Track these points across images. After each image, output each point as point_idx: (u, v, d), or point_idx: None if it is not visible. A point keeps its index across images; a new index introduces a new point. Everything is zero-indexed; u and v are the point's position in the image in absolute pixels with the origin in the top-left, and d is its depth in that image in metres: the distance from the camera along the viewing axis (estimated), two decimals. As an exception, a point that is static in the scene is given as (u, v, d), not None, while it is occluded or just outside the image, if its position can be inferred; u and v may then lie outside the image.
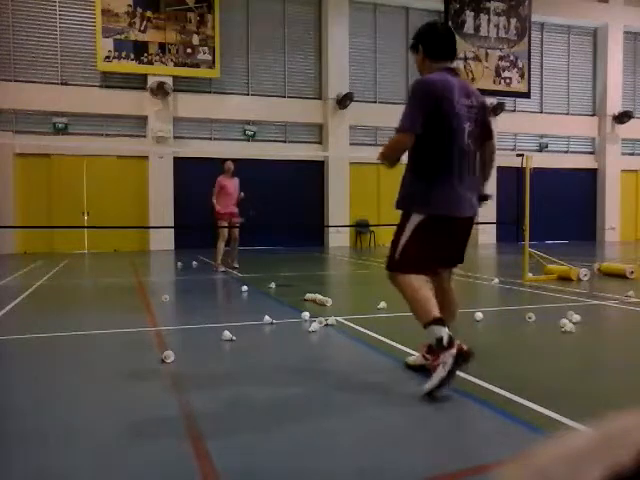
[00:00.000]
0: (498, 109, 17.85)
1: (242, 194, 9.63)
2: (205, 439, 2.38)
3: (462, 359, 2.82)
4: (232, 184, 9.56)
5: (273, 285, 7.31)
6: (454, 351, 2.79)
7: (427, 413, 2.67)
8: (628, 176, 19.95)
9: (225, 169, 9.60)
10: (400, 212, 3.19)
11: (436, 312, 2.91)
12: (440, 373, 2.77)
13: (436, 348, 2.84)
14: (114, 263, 11.94)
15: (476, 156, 3.19)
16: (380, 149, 3.22)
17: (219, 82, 15.93)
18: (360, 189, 16.98)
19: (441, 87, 2.99)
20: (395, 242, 3.13)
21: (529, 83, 18.32)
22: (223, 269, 9.32)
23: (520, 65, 18.12)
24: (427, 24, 3.32)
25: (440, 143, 3.01)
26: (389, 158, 3.17)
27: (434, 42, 3.19)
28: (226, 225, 9.50)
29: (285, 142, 16.68)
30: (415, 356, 3.41)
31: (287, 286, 7.40)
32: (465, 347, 2.88)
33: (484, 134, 3.22)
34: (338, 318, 4.96)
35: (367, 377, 3.35)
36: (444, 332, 2.83)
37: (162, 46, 15.21)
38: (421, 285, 3.01)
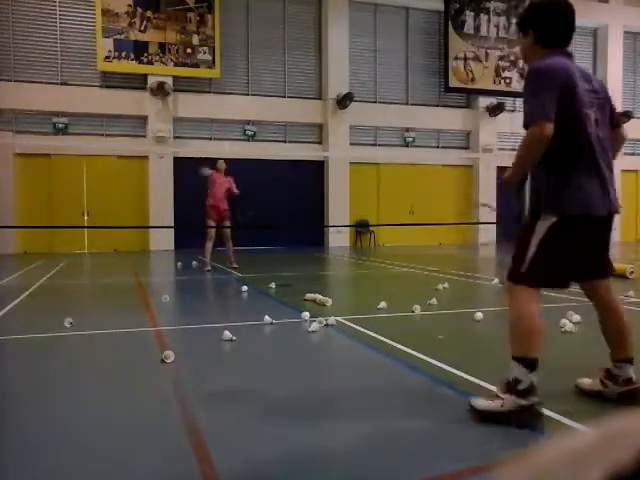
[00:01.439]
0: (498, 109, 17.86)
1: (237, 191, 9.66)
2: (205, 439, 2.38)
3: (527, 416, 2.47)
4: (222, 182, 9.60)
5: (273, 285, 7.31)
6: (523, 403, 2.47)
7: (427, 413, 2.67)
8: (628, 176, 19.95)
9: (217, 168, 9.70)
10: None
11: (534, 352, 2.54)
12: (493, 407, 2.53)
13: (507, 386, 2.54)
14: (114, 263, 11.94)
15: (607, 145, 2.74)
16: (506, 172, 2.74)
17: (219, 82, 15.92)
18: (360, 189, 16.97)
19: (563, 72, 2.57)
20: (520, 252, 2.63)
21: (529, 83, 18.31)
22: (210, 268, 9.31)
23: (520, 65, 18.12)
24: (540, 1, 2.76)
25: (568, 133, 2.56)
26: (524, 169, 2.65)
27: (553, 25, 2.69)
28: (214, 225, 9.53)
29: (285, 142, 16.68)
30: (590, 381, 2.93)
31: (287, 286, 7.40)
32: (539, 407, 2.52)
33: (611, 121, 2.80)
34: (338, 318, 4.95)
35: (367, 377, 3.35)
36: (528, 379, 2.49)
37: (162, 46, 15.21)
38: (533, 311, 2.60)
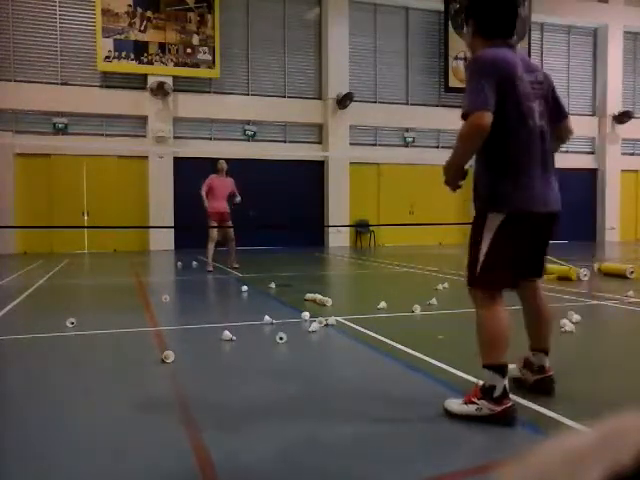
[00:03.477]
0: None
1: (239, 199, 9.52)
2: (205, 439, 2.38)
3: (502, 421, 2.48)
4: (223, 184, 9.43)
5: (273, 285, 7.30)
6: (497, 409, 2.48)
7: (427, 413, 2.67)
8: (628, 176, 19.94)
9: (218, 168, 9.49)
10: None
11: (504, 358, 2.53)
12: (468, 410, 2.54)
13: (482, 392, 2.54)
14: (114, 263, 11.94)
15: (551, 140, 2.68)
16: (445, 161, 2.64)
17: (219, 82, 15.92)
18: (360, 189, 16.97)
19: (503, 62, 2.52)
20: (473, 253, 2.60)
21: (529, 83, 18.31)
22: (211, 269, 9.26)
23: (520, 65, 18.11)
24: None
25: (510, 127, 2.51)
26: (462, 158, 2.57)
27: (492, 16, 2.65)
28: (216, 225, 9.44)
29: (285, 142, 16.68)
30: (514, 366, 2.95)
31: (287, 286, 7.40)
32: (514, 408, 2.52)
33: (556, 113, 2.73)
34: (338, 318, 4.95)
35: (367, 377, 3.35)
36: (501, 385, 2.50)
37: (162, 46, 15.21)
38: (505, 318, 2.58)
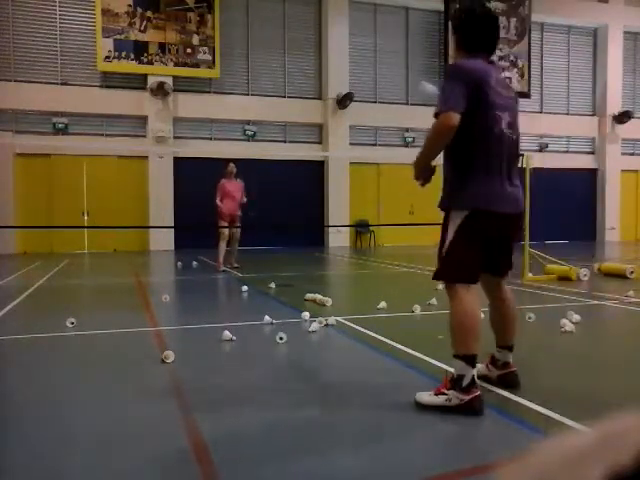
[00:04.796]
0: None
1: (245, 200, 9.60)
2: (205, 439, 2.38)
3: (469, 411, 2.58)
4: (236, 187, 9.52)
5: (273, 285, 7.30)
6: (466, 398, 2.58)
7: (427, 413, 2.67)
8: (628, 176, 19.94)
9: (227, 172, 9.56)
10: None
11: (474, 349, 2.64)
12: (438, 401, 2.65)
13: (451, 382, 2.65)
14: (114, 263, 11.94)
15: (517, 149, 2.86)
16: (414, 157, 2.83)
17: (219, 82, 15.92)
18: (360, 189, 16.97)
19: (478, 71, 2.71)
20: (440, 247, 2.81)
21: (529, 83, 18.32)
22: (223, 269, 9.32)
23: (520, 65, 18.12)
24: (464, 8, 2.93)
25: (478, 130, 2.69)
26: (430, 154, 2.76)
27: (474, 33, 2.84)
28: (227, 225, 9.49)
29: (285, 142, 16.68)
30: (481, 366, 3.03)
31: (287, 286, 7.40)
32: (481, 397, 2.63)
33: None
34: (338, 318, 4.95)
35: (367, 377, 3.35)
36: (470, 374, 2.60)
37: (162, 46, 15.20)
38: (475, 310, 2.70)
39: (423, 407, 2.68)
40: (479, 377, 2.84)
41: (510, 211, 2.76)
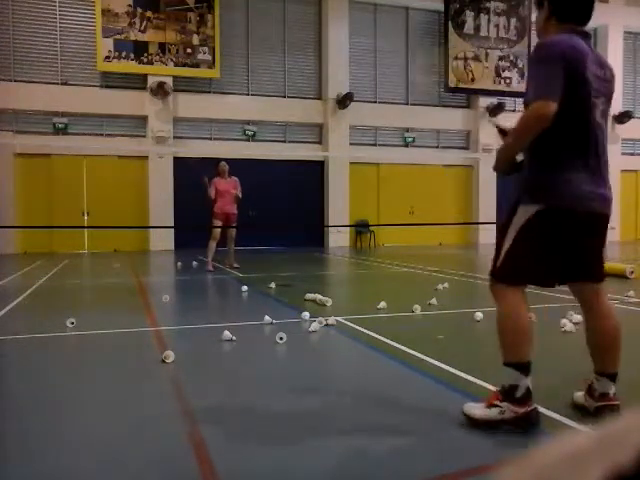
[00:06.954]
0: (498, 109, 17.85)
1: (240, 195, 9.58)
2: (205, 439, 2.38)
3: (526, 424, 2.37)
4: (229, 185, 9.53)
5: (273, 285, 7.30)
6: (520, 411, 2.36)
7: (427, 413, 2.67)
8: (628, 176, 19.94)
9: (219, 171, 9.57)
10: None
11: (527, 355, 2.39)
12: (491, 415, 2.40)
13: (503, 394, 2.40)
14: (114, 263, 11.94)
15: (607, 140, 2.50)
16: (498, 147, 2.52)
17: (219, 82, 15.92)
18: (360, 189, 16.97)
19: (572, 50, 2.34)
20: (499, 243, 2.50)
21: (529, 83, 18.31)
22: (211, 268, 9.29)
23: (520, 65, 18.11)
24: None
25: (569, 120, 2.34)
26: (516, 145, 2.41)
27: None
28: (220, 225, 9.49)
29: (285, 142, 16.68)
30: (580, 394, 2.73)
31: (287, 286, 7.40)
32: (537, 410, 2.41)
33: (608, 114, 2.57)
34: (338, 318, 4.95)
35: (366, 377, 3.35)
36: (524, 384, 2.37)
37: (162, 46, 15.20)
38: (524, 311, 2.43)
39: (474, 422, 2.43)
40: (577, 406, 2.61)
41: (593, 211, 2.41)
